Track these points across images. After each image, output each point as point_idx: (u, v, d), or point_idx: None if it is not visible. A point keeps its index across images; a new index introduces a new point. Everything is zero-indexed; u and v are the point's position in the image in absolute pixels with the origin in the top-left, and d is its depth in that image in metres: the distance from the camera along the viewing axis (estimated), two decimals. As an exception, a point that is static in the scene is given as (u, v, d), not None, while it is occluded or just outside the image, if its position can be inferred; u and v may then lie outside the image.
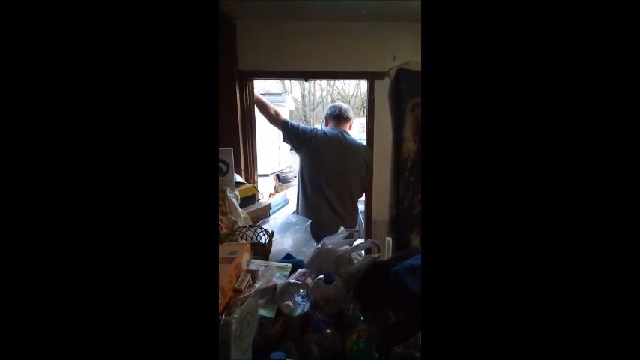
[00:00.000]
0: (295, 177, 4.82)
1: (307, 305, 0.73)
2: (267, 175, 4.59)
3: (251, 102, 1.72)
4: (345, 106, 1.77)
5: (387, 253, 0.85)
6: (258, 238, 1.09)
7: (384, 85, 1.71)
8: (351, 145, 1.65)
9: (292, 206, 2.15)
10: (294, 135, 1.65)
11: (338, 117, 1.71)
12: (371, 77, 1.72)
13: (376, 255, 0.85)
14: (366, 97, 1.81)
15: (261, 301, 0.73)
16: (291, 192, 2.68)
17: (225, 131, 1.57)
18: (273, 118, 1.71)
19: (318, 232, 1.18)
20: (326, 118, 1.76)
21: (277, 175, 5.22)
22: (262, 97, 1.77)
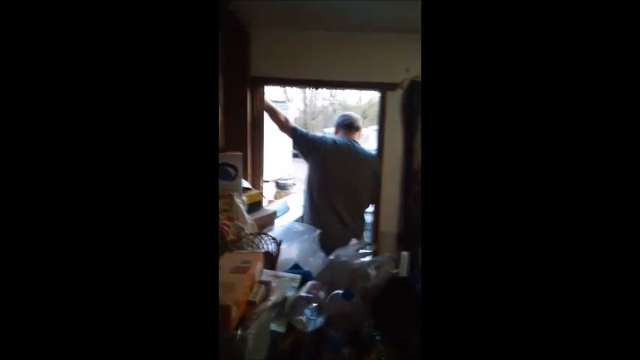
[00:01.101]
0: (294, 184, 4.79)
1: (320, 320, 0.69)
2: (267, 182, 4.54)
3: (261, 108, 1.71)
4: (355, 115, 1.76)
5: (404, 268, 0.81)
6: (265, 246, 1.05)
7: (395, 97, 1.70)
8: (360, 154, 1.63)
9: (293, 214, 2.12)
10: (303, 142, 1.64)
11: (348, 126, 1.70)
12: (383, 88, 1.71)
13: (395, 271, 0.82)
14: (366, 109, 1.80)
15: (271, 315, 0.69)
16: (292, 199, 2.66)
17: (234, 136, 1.55)
18: (283, 125, 1.69)
19: (323, 241, 1.15)
20: (336, 127, 1.75)
21: (277, 182, 5.17)
22: (272, 104, 1.76)
